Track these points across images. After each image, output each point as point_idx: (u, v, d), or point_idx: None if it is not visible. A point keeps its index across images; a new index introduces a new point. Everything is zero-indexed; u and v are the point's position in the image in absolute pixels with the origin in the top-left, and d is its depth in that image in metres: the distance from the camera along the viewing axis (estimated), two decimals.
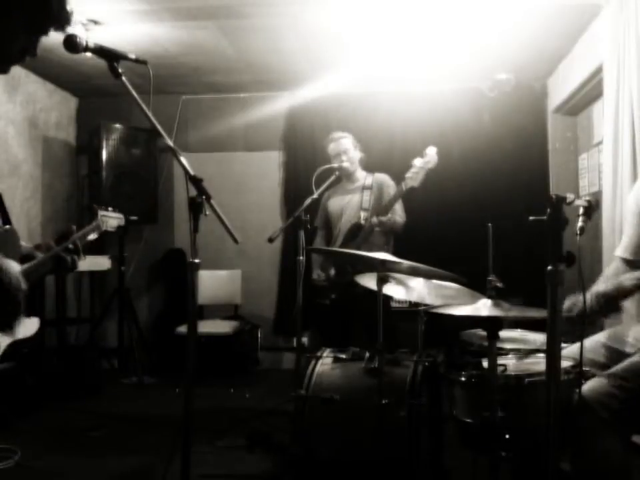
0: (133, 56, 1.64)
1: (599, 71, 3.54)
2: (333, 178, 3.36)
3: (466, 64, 4.59)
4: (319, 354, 2.57)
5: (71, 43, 1.54)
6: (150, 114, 1.63)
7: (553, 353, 1.45)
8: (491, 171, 4.87)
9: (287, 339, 5.30)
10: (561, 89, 4.61)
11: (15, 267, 1.51)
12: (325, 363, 2.51)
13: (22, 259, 1.60)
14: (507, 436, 1.88)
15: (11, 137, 4.73)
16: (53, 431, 3.56)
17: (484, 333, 1.90)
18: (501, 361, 1.98)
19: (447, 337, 3.03)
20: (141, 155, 5.10)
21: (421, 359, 2.44)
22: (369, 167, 3.85)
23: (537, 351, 2.28)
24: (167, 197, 5.43)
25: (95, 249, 4.74)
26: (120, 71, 1.62)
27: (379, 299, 2.27)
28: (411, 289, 2.43)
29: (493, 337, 1.87)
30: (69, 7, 1.45)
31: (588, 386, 1.87)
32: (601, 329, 2.40)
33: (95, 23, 3.82)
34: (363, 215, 3.60)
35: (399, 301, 3.87)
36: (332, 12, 3.75)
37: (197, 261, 1.65)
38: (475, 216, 4.14)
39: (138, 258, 5.39)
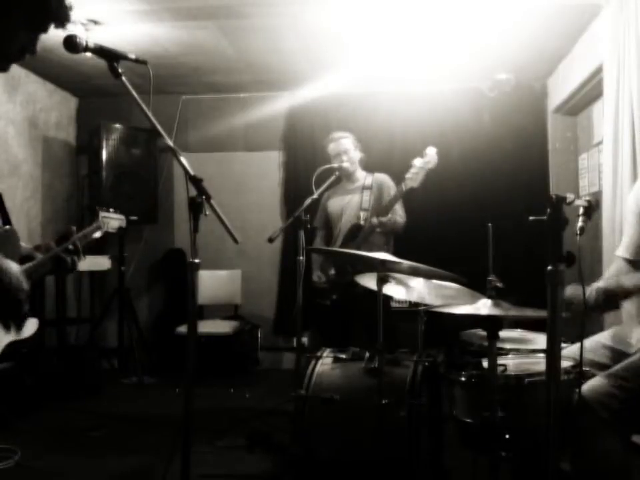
0: (132, 56, 1.64)
1: (599, 71, 3.54)
2: (332, 178, 3.36)
3: (466, 64, 4.59)
4: (319, 354, 2.57)
5: (71, 43, 1.54)
6: (150, 114, 1.63)
7: (552, 353, 1.45)
8: (491, 171, 4.87)
9: (287, 338, 5.30)
10: (561, 89, 4.61)
11: (15, 266, 1.51)
12: (324, 363, 2.51)
13: (22, 260, 1.61)
14: (507, 436, 1.88)
15: (11, 136, 4.73)
16: (52, 431, 3.56)
17: (484, 333, 1.90)
18: (500, 360, 1.98)
19: (447, 337, 3.02)
20: (141, 154, 5.10)
21: (420, 359, 2.44)
22: (368, 167, 3.85)
23: (537, 350, 2.28)
24: (167, 197, 5.43)
25: (94, 249, 4.74)
26: (120, 70, 1.62)
27: (378, 299, 2.27)
28: (411, 289, 2.43)
29: (493, 336, 1.87)
30: (68, 3, 1.45)
31: (588, 386, 1.87)
32: (601, 329, 2.40)
33: (95, 22, 3.82)
34: (362, 215, 3.60)
35: (398, 301, 3.86)
36: (332, 12, 3.75)
37: (197, 260, 1.65)
38: (474, 216, 4.14)
39: (138, 258, 5.39)
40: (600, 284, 1.95)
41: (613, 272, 2.14)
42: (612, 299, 1.94)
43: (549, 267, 1.40)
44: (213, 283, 5.01)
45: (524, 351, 2.32)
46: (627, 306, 2.16)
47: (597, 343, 2.14)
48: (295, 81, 5.07)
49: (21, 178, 4.86)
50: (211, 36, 4.16)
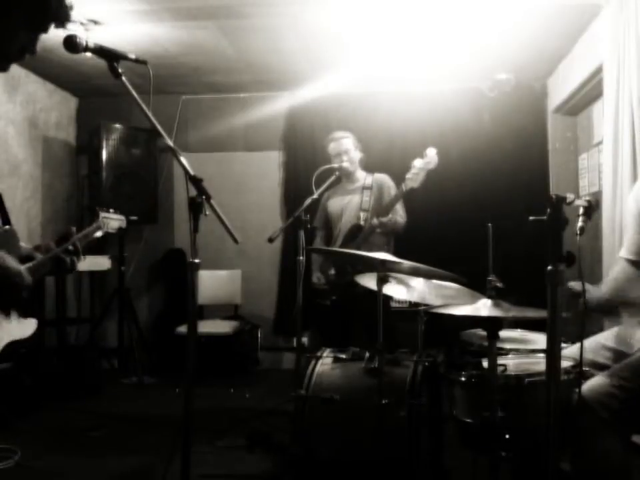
0: (132, 56, 1.64)
1: (599, 70, 3.54)
2: (333, 178, 3.36)
3: (466, 64, 4.59)
4: (319, 354, 2.57)
5: (71, 43, 1.54)
6: (150, 114, 1.63)
7: (552, 353, 1.45)
8: (491, 171, 4.87)
9: (287, 338, 5.30)
10: (561, 89, 4.61)
11: (15, 263, 1.52)
12: (325, 363, 2.51)
13: (22, 260, 1.61)
14: (507, 436, 1.88)
15: (11, 137, 4.73)
16: (53, 430, 3.56)
17: (484, 333, 1.90)
18: (500, 360, 1.98)
19: (447, 337, 3.03)
20: (141, 154, 5.10)
21: (421, 359, 2.44)
22: (368, 167, 3.85)
23: (537, 350, 2.28)
24: (167, 197, 5.43)
25: (94, 249, 4.74)
26: (120, 70, 1.62)
27: (378, 299, 2.27)
28: (411, 289, 2.43)
29: (493, 336, 1.87)
30: (68, 3, 1.44)
31: (588, 386, 1.87)
32: (601, 329, 2.40)
33: (95, 22, 3.82)
34: (362, 215, 3.60)
35: (398, 301, 3.86)
36: (332, 12, 3.75)
37: (197, 260, 1.65)
38: (474, 216, 4.13)
39: (138, 258, 5.39)
40: (605, 294, 1.95)
41: (617, 275, 2.14)
42: (614, 309, 1.94)
43: (549, 267, 1.40)
44: (213, 282, 5.01)
45: (524, 351, 2.32)
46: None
47: (597, 343, 2.14)
48: (295, 80, 5.07)
49: (21, 178, 4.86)
50: (211, 36, 4.16)
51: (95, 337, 5.03)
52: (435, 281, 2.42)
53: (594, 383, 1.88)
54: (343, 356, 2.52)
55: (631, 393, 1.83)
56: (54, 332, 4.85)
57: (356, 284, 2.60)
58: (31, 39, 1.45)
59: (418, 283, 2.44)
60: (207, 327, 4.67)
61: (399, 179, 3.48)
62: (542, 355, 2.24)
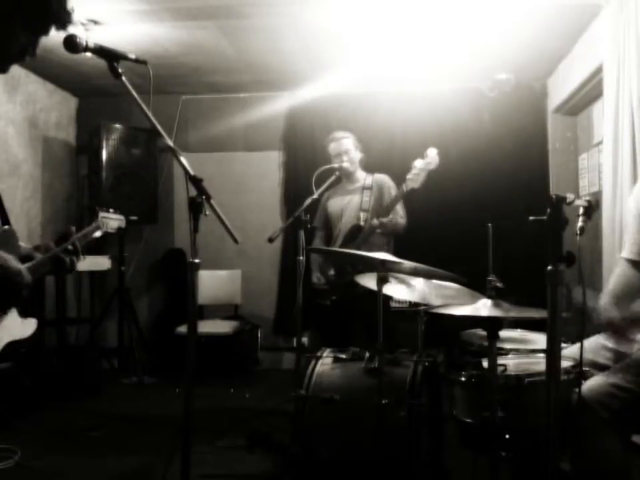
0: (132, 56, 1.64)
1: (599, 70, 3.54)
2: (333, 178, 3.36)
3: (466, 64, 4.59)
4: (319, 354, 2.57)
5: (71, 43, 1.54)
6: (150, 114, 1.63)
7: (552, 353, 1.45)
8: (491, 171, 4.87)
9: (287, 338, 5.30)
10: (561, 89, 4.61)
11: (15, 263, 1.52)
12: (325, 363, 2.51)
13: (21, 260, 1.60)
14: (507, 436, 1.88)
15: (11, 137, 4.73)
16: (53, 430, 3.56)
17: (484, 333, 1.90)
18: (500, 360, 1.98)
19: (447, 337, 3.03)
20: (141, 154, 5.10)
21: (421, 359, 2.44)
22: (368, 167, 3.85)
23: (537, 350, 2.28)
24: (167, 197, 5.43)
25: (95, 249, 4.75)
26: (120, 70, 1.62)
27: (378, 299, 2.27)
28: (411, 289, 2.43)
29: (493, 336, 1.87)
30: (69, 6, 1.44)
31: (588, 386, 1.87)
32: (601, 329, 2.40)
33: (95, 22, 3.82)
34: (362, 215, 3.60)
35: (398, 301, 3.87)
36: (332, 12, 3.75)
37: (197, 260, 1.65)
38: (474, 216, 4.13)
39: (138, 258, 5.39)
40: (612, 315, 1.96)
41: (621, 280, 2.14)
42: (620, 330, 1.94)
43: (549, 267, 1.40)
44: (213, 283, 5.01)
45: (524, 351, 2.32)
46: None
47: (597, 343, 2.14)
48: (295, 80, 5.07)
49: (21, 178, 4.86)
50: (211, 36, 4.16)
51: (95, 336, 5.03)
52: (435, 281, 2.42)
53: (594, 383, 1.88)
54: (343, 356, 2.52)
55: (630, 392, 1.83)
56: (54, 332, 4.85)
57: (356, 284, 2.60)
58: (32, 41, 1.45)
59: (418, 283, 2.44)
60: (207, 326, 4.67)
61: (399, 179, 3.48)
62: (542, 354, 2.24)
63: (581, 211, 1.62)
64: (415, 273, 2.39)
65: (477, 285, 2.19)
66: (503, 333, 2.02)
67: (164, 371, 4.78)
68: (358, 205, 3.67)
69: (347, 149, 3.70)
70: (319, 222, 3.90)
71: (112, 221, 2.04)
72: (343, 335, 3.53)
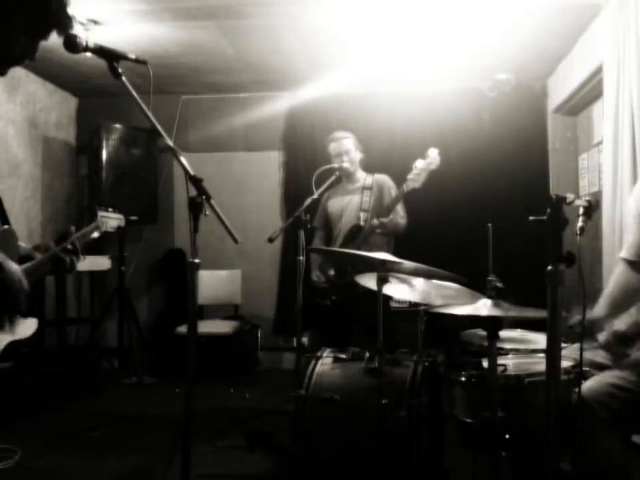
0: (132, 56, 1.64)
1: (599, 70, 3.54)
2: (333, 178, 3.36)
3: (466, 64, 4.59)
4: (319, 354, 2.57)
5: (71, 43, 1.54)
6: (150, 114, 1.63)
7: (552, 353, 1.45)
8: (491, 171, 4.87)
9: (287, 338, 5.30)
10: (561, 89, 4.61)
11: (15, 266, 1.51)
12: (325, 363, 2.51)
13: (21, 260, 1.60)
14: (507, 436, 1.88)
15: (11, 137, 4.73)
16: (53, 430, 3.56)
17: (484, 333, 1.90)
18: (500, 360, 1.98)
19: (447, 337, 3.03)
20: (141, 154, 5.10)
21: (421, 359, 2.44)
22: (368, 167, 3.85)
23: (537, 350, 2.28)
24: (167, 197, 5.43)
25: (95, 248, 4.75)
26: (120, 71, 1.62)
27: (378, 299, 2.27)
28: (411, 289, 2.43)
29: (493, 336, 1.87)
30: (69, 11, 1.45)
31: (587, 386, 1.87)
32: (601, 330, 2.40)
33: (95, 22, 3.82)
34: (362, 215, 3.60)
35: (398, 301, 3.87)
36: (332, 12, 3.75)
37: (197, 260, 1.65)
38: (475, 216, 4.13)
39: (138, 258, 5.39)
40: (619, 327, 1.96)
41: (617, 280, 2.14)
42: (628, 342, 1.94)
43: (549, 267, 1.40)
44: (213, 283, 5.01)
45: (524, 351, 2.32)
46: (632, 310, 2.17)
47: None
48: (295, 80, 5.07)
49: (21, 178, 4.86)
50: (211, 36, 4.16)
51: (95, 336, 5.03)
52: (435, 281, 2.42)
53: (594, 383, 1.88)
54: (343, 356, 2.52)
55: (631, 392, 1.83)
56: (54, 332, 4.85)
57: (356, 284, 2.60)
58: (31, 44, 1.45)
59: (418, 283, 2.44)
60: (207, 327, 4.67)
61: (399, 179, 3.47)
62: (542, 354, 2.24)
63: (581, 210, 1.62)
64: (415, 273, 2.39)
65: (476, 285, 2.19)
66: (503, 333, 2.02)
67: (164, 371, 4.78)
68: (358, 205, 3.67)
69: (347, 149, 3.70)
70: (318, 222, 3.90)
71: (111, 220, 2.04)
72: (343, 335, 3.53)
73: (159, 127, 1.64)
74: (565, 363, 1.92)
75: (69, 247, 1.70)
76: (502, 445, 1.86)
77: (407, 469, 2.21)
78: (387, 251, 3.06)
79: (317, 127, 5.15)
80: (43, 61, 4.40)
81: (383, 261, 2.27)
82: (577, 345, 1.91)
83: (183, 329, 4.56)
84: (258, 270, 5.37)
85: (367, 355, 2.47)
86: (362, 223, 3.56)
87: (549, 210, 1.42)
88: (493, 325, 1.88)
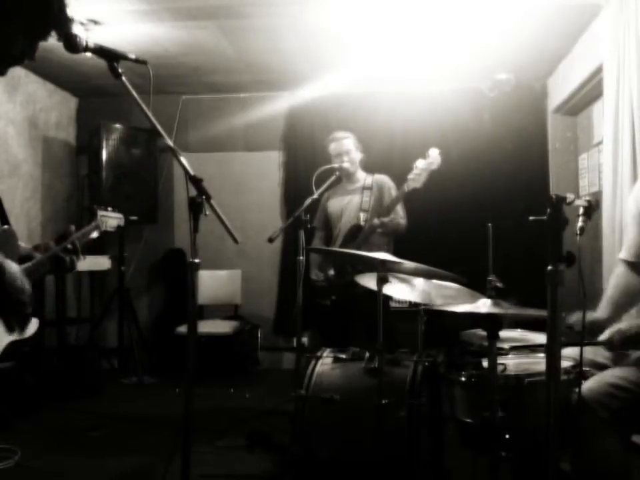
0: (132, 56, 1.64)
1: (599, 70, 3.54)
2: (333, 178, 3.36)
3: (466, 64, 4.59)
4: (319, 354, 2.57)
5: (71, 43, 1.54)
6: (150, 114, 1.63)
7: (552, 353, 1.45)
8: (491, 171, 4.87)
9: (287, 338, 5.30)
10: (561, 89, 4.61)
11: (16, 267, 1.51)
12: (325, 363, 2.51)
13: (20, 260, 1.60)
14: (507, 436, 1.88)
15: (11, 137, 4.73)
16: (53, 430, 3.56)
17: (484, 333, 1.90)
18: (500, 360, 1.98)
19: (447, 337, 3.02)
20: (141, 154, 5.10)
21: (421, 359, 2.44)
22: (368, 167, 3.85)
23: (537, 346, 2.28)
24: (167, 197, 5.43)
25: (95, 248, 4.74)
26: (120, 70, 1.62)
27: (378, 299, 2.27)
28: (411, 289, 2.43)
29: (493, 336, 1.87)
30: (68, 13, 1.45)
31: (587, 386, 1.87)
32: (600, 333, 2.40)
33: (95, 22, 3.82)
34: (362, 215, 3.60)
35: (398, 301, 3.86)
36: (332, 12, 3.75)
37: (197, 260, 1.65)
38: (475, 216, 4.13)
39: (138, 258, 5.39)
40: (622, 326, 1.95)
41: (617, 281, 2.14)
42: (633, 342, 1.94)
43: (549, 267, 1.40)
44: (213, 283, 5.01)
45: (524, 351, 2.32)
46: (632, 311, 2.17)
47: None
48: (295, 80, 5.07)
49: (21, 178, 4.86)
50: (211, 36, 4.16)
51: (95, 336, 5.03)
52: (435, 281, 2.42)
53: (593, 382, 1.88)
54: (343, 356, 2.51)
55: (630, 392, 1.83)
56: (54, 332, 4.85)
57: (356, 284, 2.60)
58: (31, 45, 1.45)
59: (418, 283, 2.44)
60: (207, 326, 4.67)
61: (399, 179, 3.47)
62: (542, 354, 2.24)
63: (581, 210, 1.62)
64: (415, 273, 2.39)
65: (477, 285, 2.19)
66: (503, 333, 2.02)
67: (164, 371, 4.78)
68: (358, 205, 3.67)
69: (347, 149, 3.70)
70: (318, 222, 3.90)
71: (111, 219, 2.04)
72: (342, 335, 3.53)
73: (158, 127, 1.64)
74: (565, 363, 1.92)
75: (69, 246, 1.70)
76: (502, 445, 1.86)
77: (407, 469, 2.21)
78: (387, 251, 3.06)
79: (317, 127, 5.16)
80: (42, 60, 4.40)
81: (383, 261, 2.27)
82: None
83: (182, 329, 4.56)
84: (258, 270, 5.37)
85: (367, 354, 2.47)
86: (362, 223, 3.57)
87: (548, 210, 1.42)
88: (492, 324, 1.88)
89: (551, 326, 1.42)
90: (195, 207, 1.61)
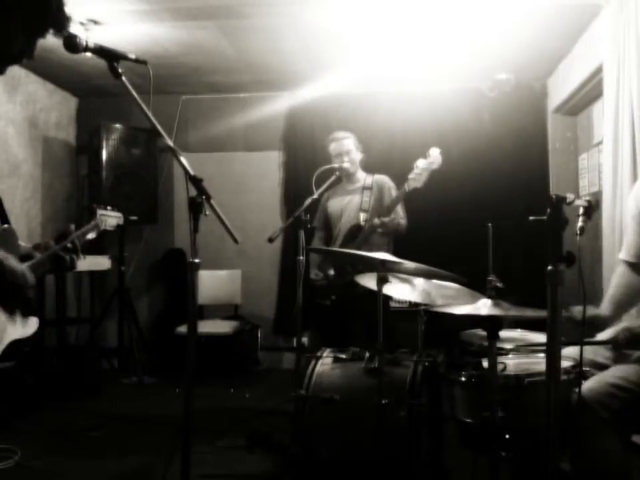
0: (132, 56, 1.64)
1: (599, 70, 3.54)
2: (333, 178, 3.35)
3: (466, 64, 4.59)
4: (319, 354, 2.57)
5: (71, 43, 1.54)
6: (150, 114, 1.63)
7: (552, 353, 1.45)
8: (491, 171, 4.87)
9: (287, 338, 5.30)
10: (561, 89, 4.61)
11: (18, 263, 1.52)
12: (325, 363, 2.51)
13: (21, 259, 1.60)
14: (507, 436, 1.88)
15: (11, 137, 4.73)
16: (53, 430, 3.56)
17: (484, 333, 1.90)
18: (501, 360, 1.98)
19: (447, 337, 3.03)
20: (141, 155, 5.10)
21: (421, 358, 2.44)
22: (368, 167, 3.85)
23: (537, 345, 2.28)
24: (167, 197, 5.43)
25: (94, 248, 4.74)
26: (120, 70, 1.62)
27: (378, 299, 2.26)
28: (411, 289, 2.43)
29: (493, 336, 1.87)
30: (67, 11, 1.45)
31: (587, 386, 1.87)
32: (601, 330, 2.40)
33: (95, 22, 3.82)
34: (362, 215, 3.60)
35: (398, 301, 3.86)
36: (332, 12, 3.75)
37: (197, 260, 1.65)
38: (475, 216, 4.13)
39: (138, 258, 5.39)
40: (628, 324, 1.95)
41: (618, 281, 2.14)
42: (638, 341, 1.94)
43: (549, 267, 1.40)
44: (213, 283, 5.01)
45: (524, 351, 2.32)
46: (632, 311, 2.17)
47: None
48: (295, 80, 5.07)
49: (21, 178, 4.86)
50: (211, 36, 4.16)
51: (95, 336, 5.02)
52: (435, 281, 2.42)
53: (594, 382, 1.88)
54: (343, 356, 2.51)
55: (631, 392, 1.83)
56: (54, 332, 4.85)
57: (356, 284, 2.60)
58: (30, 43, 1.45)
59: (418, 283, 2.44)
60: (207, 326, 4.67)
61: (399, 179, 3.47)
62: (542, 354, 2.24)
63: (581, 210, 1.62)
64: (415, 273, 2.39)
65: (477, 285, 2.19)
66: (503, 333, 2.02)
67: (164, 371, 4.78)
68: (358, 205, 3.66)
69: (348, 149, 3.69)
70: (318, 222, 3.90)
71: (110, 218, 2.04)
72: (342, 335, 3.53)
73: (158, 127, 1.64)
74: (565, 363, 1.92)
75: (69, 245, 1.71)
76: (502, 445, 1.86)
77: (407, 469, 2.20)
78: (387, 251, 3.06)
79: (317, 127, 5.16)
80: (42, 60, 4.41)
81: (383, 261, 2.27)
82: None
83: (182, 329, 4.56)
84: (258, 270, 5.37)
85: (367, 354, 2.47)
86: (362, 223, 3.56)
87: (549, 210, 1.42)
88: (492, 324, 1.88)
89: (551, 326, 1.42)
90: (195, 207, 1.61)
